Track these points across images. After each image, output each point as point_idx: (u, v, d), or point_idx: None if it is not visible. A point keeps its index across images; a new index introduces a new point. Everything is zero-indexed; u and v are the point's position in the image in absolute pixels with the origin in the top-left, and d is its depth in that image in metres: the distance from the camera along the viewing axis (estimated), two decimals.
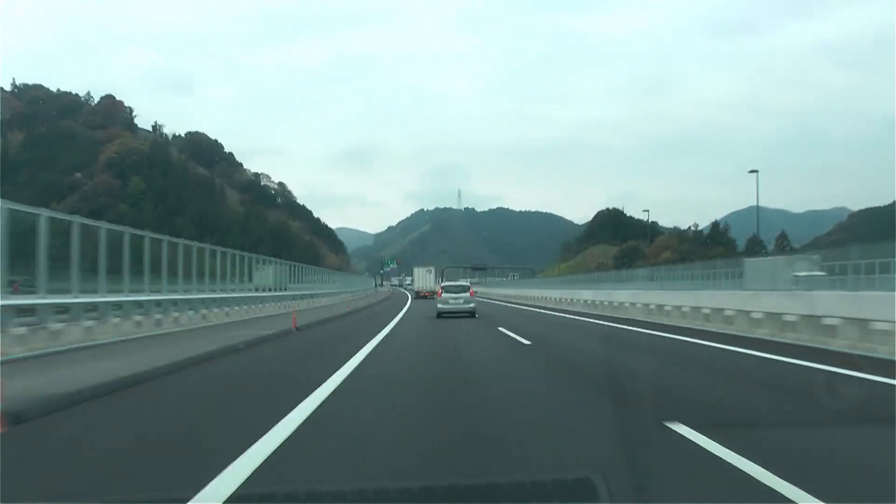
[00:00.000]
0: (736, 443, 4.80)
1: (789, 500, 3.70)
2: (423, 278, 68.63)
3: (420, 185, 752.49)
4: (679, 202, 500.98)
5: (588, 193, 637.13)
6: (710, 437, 4.99)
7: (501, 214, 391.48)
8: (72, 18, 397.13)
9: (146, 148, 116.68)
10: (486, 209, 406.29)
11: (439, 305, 25.46)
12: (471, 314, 24.84)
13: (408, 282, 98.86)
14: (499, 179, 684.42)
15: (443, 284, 31.67)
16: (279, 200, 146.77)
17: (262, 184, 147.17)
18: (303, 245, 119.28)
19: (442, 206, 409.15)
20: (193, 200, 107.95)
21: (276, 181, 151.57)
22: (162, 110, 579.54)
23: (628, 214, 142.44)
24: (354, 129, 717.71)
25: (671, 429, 5.37)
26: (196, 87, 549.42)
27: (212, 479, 3.98)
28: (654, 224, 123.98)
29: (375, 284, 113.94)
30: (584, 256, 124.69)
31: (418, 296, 60.26)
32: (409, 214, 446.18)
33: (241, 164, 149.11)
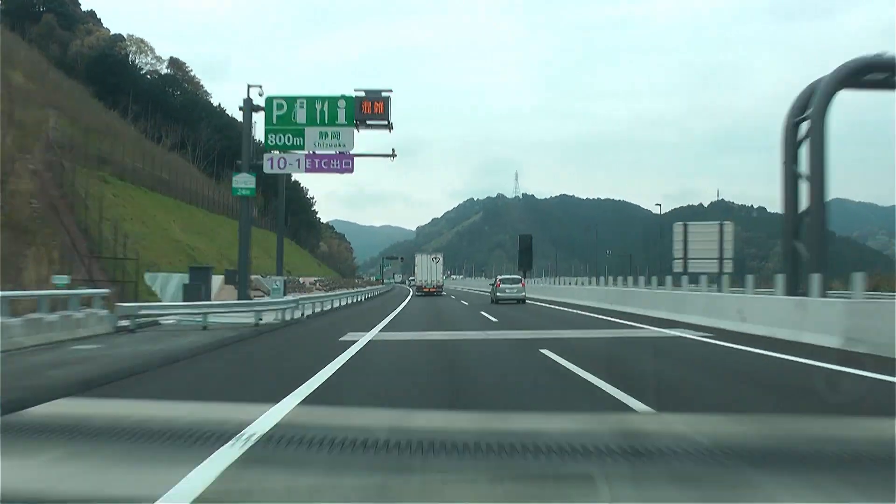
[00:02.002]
0: None
1: None
2: (428, 269, 53.95)
3: (469, 182, 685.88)
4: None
5: (657, 187, 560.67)
6: None
7: (565, 202, 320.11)
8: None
9: None
10: (548, 196, 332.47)
11: (497, 294, 32.70)
12: (521, 301, 32.07)
13: (411, 279, 72.82)
14: (555, 175, 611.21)
15: (500, 277, 35.40)
16: (176, 92, 75.45)
17: (139, 63, 75.90)
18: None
19: (494, 195, 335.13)
20: None
21: (167, 56, 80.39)
22: None
23: None
24: (398, 125, 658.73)
25: None
26: (224, 79, 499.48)
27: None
28: None
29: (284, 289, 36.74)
30: None
31: (420, 291, 51.81)
32: (456, 205, 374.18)
33: (101, 23, 77.83)
